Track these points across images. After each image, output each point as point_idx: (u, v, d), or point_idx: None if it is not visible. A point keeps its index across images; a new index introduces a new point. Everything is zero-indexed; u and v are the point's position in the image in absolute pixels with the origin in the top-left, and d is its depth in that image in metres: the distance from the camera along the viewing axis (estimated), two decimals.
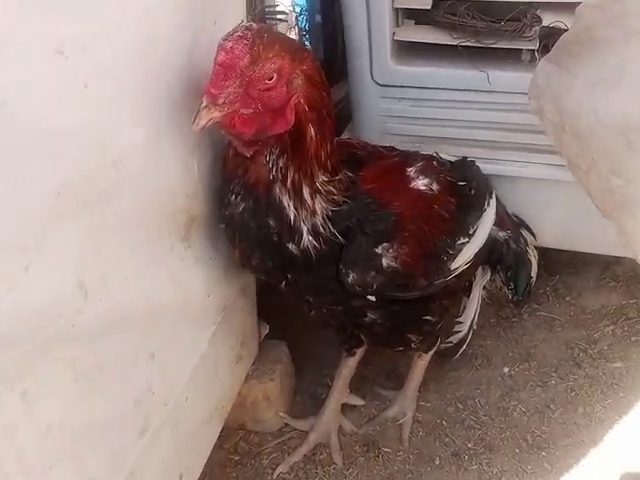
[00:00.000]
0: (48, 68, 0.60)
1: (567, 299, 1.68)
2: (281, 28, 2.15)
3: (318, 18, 1.94)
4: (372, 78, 1.37)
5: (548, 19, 1.19)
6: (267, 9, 1.89)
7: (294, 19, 2.07)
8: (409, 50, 1.36)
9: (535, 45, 1.22)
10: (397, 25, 1.33)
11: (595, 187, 0.97)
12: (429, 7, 1.25)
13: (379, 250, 1.03)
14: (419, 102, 1.37)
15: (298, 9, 2.05)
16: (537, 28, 1.20)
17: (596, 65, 0.94)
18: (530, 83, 1.10)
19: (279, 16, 2.10)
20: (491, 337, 1.61)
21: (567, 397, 1.45)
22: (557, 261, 1.74)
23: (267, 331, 1.43)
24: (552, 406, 1.44)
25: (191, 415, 1.08)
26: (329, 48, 1.96)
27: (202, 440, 1.18)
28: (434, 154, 1.26)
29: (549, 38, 1.18)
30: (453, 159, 1.30)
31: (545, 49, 1.17)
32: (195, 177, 0.94)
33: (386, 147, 1.25)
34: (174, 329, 0.95)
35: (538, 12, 1.21)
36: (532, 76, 1.10)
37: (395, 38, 1.32)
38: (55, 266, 0.65)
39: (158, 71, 0.75)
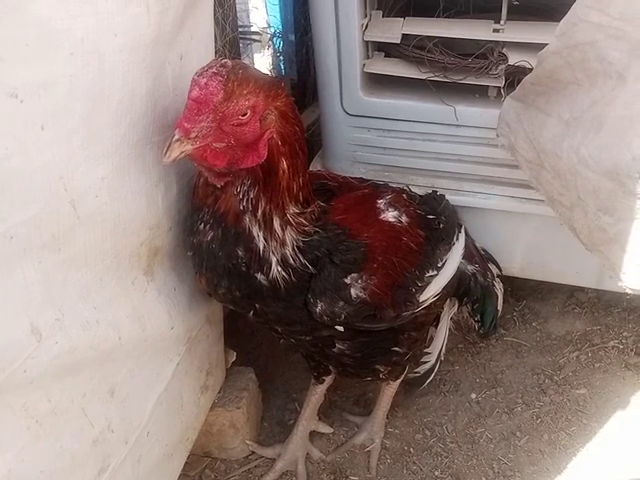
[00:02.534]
0: (2, 111, 0.58)
1: (533, 324, 1.71)
2: (255, 48, 2.16)
3: (292, 39, 1.96)
4: (342, 107, 1.38)
5: (514, 58, 1.22)
6: (241, 29, 1.90)
7: (268, 40, 2.08)
8: (378, 82, 1.38)
9: (501, 82, 1.25)
10: (367, 57, 1.35)
11: (581, 223, 1.00)
12: (398, 41, 1.27)
13: (348, 280, 1.03)
14: (388, 133, 1.39)
15: (272, 30, 2.07)
16: (503, 66, 1.23)
17: (568, 104, 0.97)
18: (498, 120, 1.12)
19: (253, 37, 2.11)
20: (459, 362, 1.63)
21: (533, 424, 1.47)
22: (524, 287, 1.77)
23: (234, 358, 1.42)
24: (518, 433, 1.45)
25: (153, 450, 1.06)
26: (302, 70, 1.97)
27: (166, 473, 1.15)
28: (404, 187, 1.28)
29: (515, 76, 1.21)
30: (423, 193, 1.32)
31: (511, 86, 1.19)
32: (159, 210, 0.92)
33: (356, 178, 1.26)
34: (135, 364, 0.93)
35: (504, 51, 1.24)
36: (499, 113, 1.12)
37: (365, 70, 1.33)
38: (5, 312, 0.63)
39: (119, 111, 0.75)
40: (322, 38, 1.32)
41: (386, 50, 1.35)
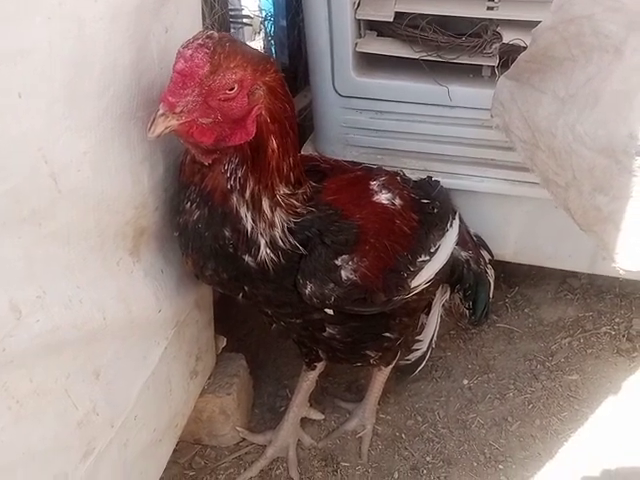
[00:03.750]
0: None
1: (526, 311, 1.71)
2: (246, 33, 2.13)
3: (283, 23, 1.93)
4: (334, 88, 1.36)
5: (508, 36, 1.20)
6: (232, 13, 1.87)
7: (259, 24, 2.05)
8: (371, 62, 1.35)
9: (495, 61, 1.23)
10: (359, 37, 1.32)
11: (576, 203, 0.98)
12: (391, 19, 1.25)
13: (339, 262, 1.01)
14: (380, 114, 1.37)
15: (264, 14, 2.04)
16: (497, 45, 1.21)
17: (562, 81, 0.95)
18: (492, 100, 1.10)
19: (245, 20, 2.08)
20: (451, 349, 1.62)
21: (524, 410, 1.46)
22: (516, 274, 1.76)
23: (224, 344, 1.40)
24: (510, 419, 1.45)
25: (141, 434, 1.04)
26: (294, 54, 1.95)
27: (154, 459, 1.14)
28: (398, 171, 1.26)
29: (509, 55, 1.19)
30: (416, 178, 1.30)
31: (505, 66, 1.18)
32: (145, 188, 0.90)
33: (350, 162, 1.24)
34: (121, 346, 0.91)
35: (498, 29, 1.22)
36: (493, 92, 1.10)
37: (357, 49, 1.31)
38: None
39: (101, 82, 0.72)
40: (313, 17, 1.29)
41: (379, 29, 1.32)
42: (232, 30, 1.87)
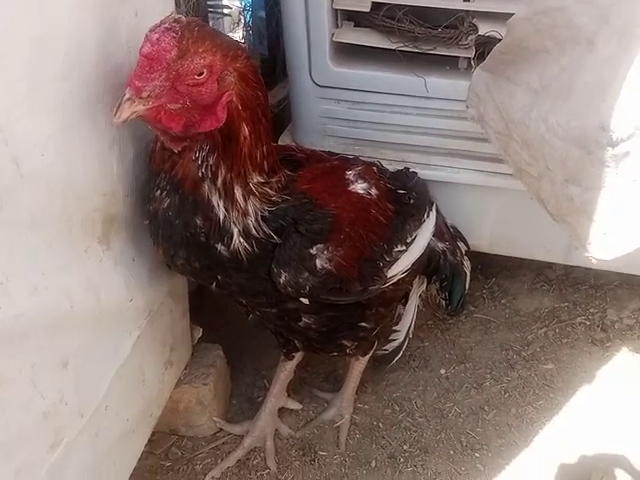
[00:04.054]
0: None
1: (502, 302, 1.72)
2: (226, 23, 2.11)
3: (262, 14, 1.91)
4: (311, 78, 1.35)
5: (484, 28, 1.21)
6: (211, 3, 1.85)
7: (238, 14, 2.04)
8: (348, 52, 1.35)
9: (471, 53, 1.23)
10: (336, 26, 1.32)
11: (549, 193, 0.99)
12: (368, 10, 1.24)
13: (313, 251, 1.01)
14: (357, 105, 1.37)
15: (243, 4, 2.02)
16: (473, 37, 1.21)
17: (536, 73, 0.95)
18: (468, 91, 1.11)
19: (224, 11, 2.06)
20: (429, 339, 1.63)
21: (501, 398, 1.48)
22: (493, 264, 1.78)
23: (200, 334, 1.39)
24: (486, 407, 1.46)
25: (113, 424, 1.03)
26: (273, 45, 1.93)
27: (127, 449, 1.13)
28: (376, 161, 1.25)
29: (485, 47, 1.19)
30: (393, 169, 1.30)
31: (481, 57, 1.18)
32: (113, 174, 0.89)
33: (326, 152, 1.24)
34: (90, 335, 0.90)
35: (474, 21, 1.22)
36: (469, 84, 1.11)
37: (334, 39, 1.30)
38: None
39: (66, 64, 0.70)
40: (290, 6, 1.29)
41: (356, 19, 1.32)
42: (211, 21, 1.85)
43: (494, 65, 1.05)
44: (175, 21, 0.80)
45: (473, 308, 1.69)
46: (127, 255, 0.98)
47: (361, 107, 1.37)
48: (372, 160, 1.29)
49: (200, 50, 0.81)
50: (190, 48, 0.80)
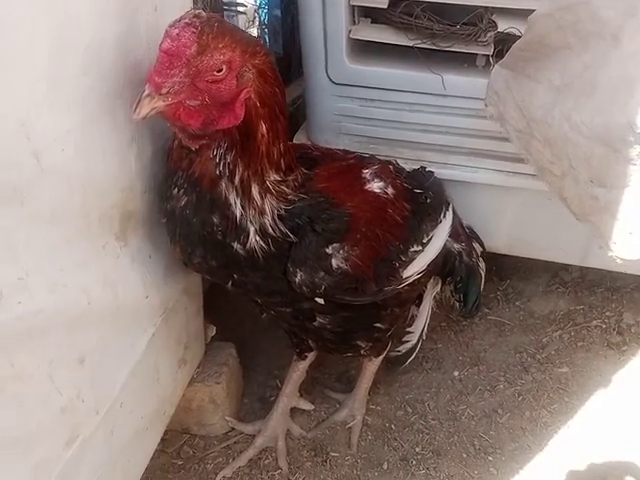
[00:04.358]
0: None
1: (517, 304, 1.70)
2: (241, 21, 2.11)
3: (278, 12, 1.90)
4: (327, 76, 1.34)
5: (503, 25, 1.19)
6: (226, 0, 1.85)
7: (254, 12, 2.03)
8: (365, 49, 1.34)
9: (490, 50, 1.22)
10: (353, 23, 1.30)
11: (572, 192, 0.97)
12: (385, 6, 1.23)
13: (329, 250, 1.00)
14: (373, 102, 1.35)
15: (258, 2, 2.01)
16: (492, 33, 1.20)
17: (558, 70, 0.94)
18: (486, 89, 1.09)
19: (239, 9, 2.05)
20: (442, 340, 1.62)
21: (514, 402, 1.46)
22: (508, 266, 1.76)
23: (214, 333, 1.39)
24: (500, 410, 1.45)
25: (127, 422, 1.03)
26: (288, 43, 1.93)
27: (141, 448, 1.13)
28: (392, 160, 1.24)
29: (504, 44, 1.18)
30: (409, 168, 1.28)
31: (500, 55, 1.16)
32: (132, 170, 0.88)
33: (342, 150, 1.23)
34: (107, 332, 0.89)
35: (493, 17, 1.20)
36: (487, 82, 1.09)
37: (351, 36, 1.29)
38: None
39: (86, 59, 0.70)
40: (307, 2, 1.28)
41: (373, 16, 1.31)
42: (226, 19, 1.85)
43: (514, 62, 1.03)
44: (195, 16, 0.79)
45: (487, 310, 1.68)
46: (144, 252, 0.98)
47: (377, 105, 1.35)
48: (388, 159, 1.27)
49: (220, 46, 0.80)
50: (210, 44, 0.79)
